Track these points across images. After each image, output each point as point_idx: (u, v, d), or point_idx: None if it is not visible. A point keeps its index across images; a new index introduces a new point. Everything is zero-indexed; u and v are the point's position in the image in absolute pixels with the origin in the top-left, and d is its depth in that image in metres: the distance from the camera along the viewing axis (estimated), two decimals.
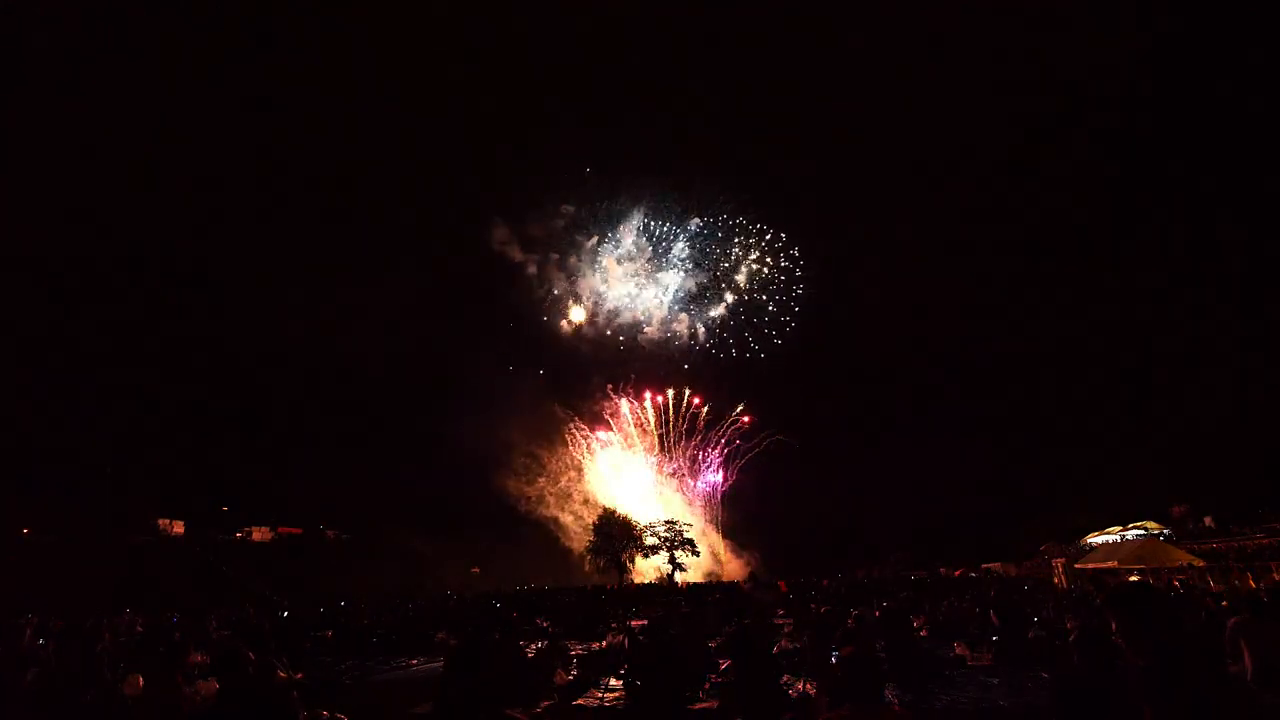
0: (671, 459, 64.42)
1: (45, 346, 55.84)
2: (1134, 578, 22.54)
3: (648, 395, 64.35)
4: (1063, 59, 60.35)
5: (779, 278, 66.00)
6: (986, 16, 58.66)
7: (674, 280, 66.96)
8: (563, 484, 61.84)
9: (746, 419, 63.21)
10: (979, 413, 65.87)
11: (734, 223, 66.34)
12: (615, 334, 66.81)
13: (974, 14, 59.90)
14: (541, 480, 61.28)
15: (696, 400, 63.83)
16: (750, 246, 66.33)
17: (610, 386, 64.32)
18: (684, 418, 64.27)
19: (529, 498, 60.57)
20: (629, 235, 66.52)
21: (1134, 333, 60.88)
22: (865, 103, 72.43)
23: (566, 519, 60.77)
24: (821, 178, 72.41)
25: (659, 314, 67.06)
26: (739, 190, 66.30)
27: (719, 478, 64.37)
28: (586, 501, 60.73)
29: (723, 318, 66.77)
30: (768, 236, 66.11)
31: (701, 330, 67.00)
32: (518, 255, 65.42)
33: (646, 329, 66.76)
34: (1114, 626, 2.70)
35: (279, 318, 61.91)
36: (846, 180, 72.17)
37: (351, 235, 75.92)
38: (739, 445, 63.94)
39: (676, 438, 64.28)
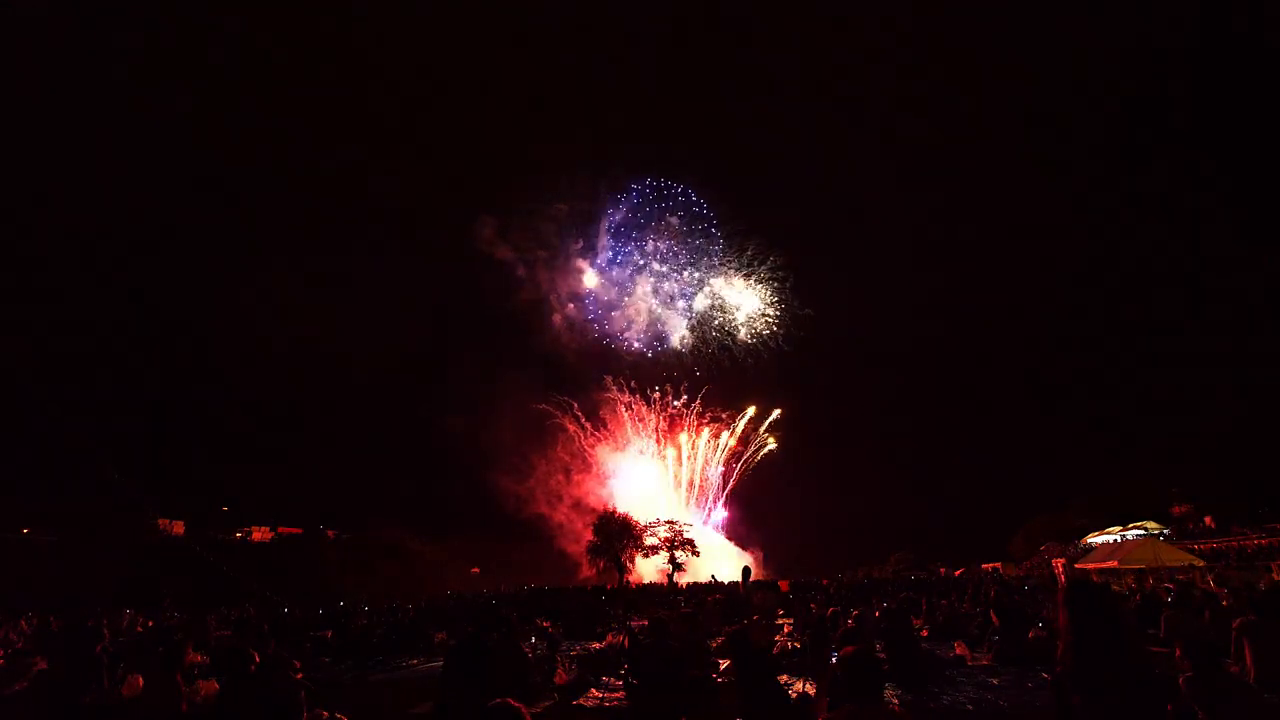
0: (666, 457, 64.49)
1: (46, 347, 55.88)
2: (1135, 580, 22.50)
3: (637, 393, 64.48)
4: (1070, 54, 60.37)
5: (773, 279, 66.01)
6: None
7: (663, 282, 66.99)
8: (551, 485, 61.92)
9: (726, 414, 63.46)
10: (979, 413, 65.94)
11: (725, 226, 66.33)
12: (605, 334, 66.87)
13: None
14: (531, 481, 61.36)
15: (685, 400, 63.93)
16: (742, 249, 66.29)
17: (608, 380, 64.46)
18: (671, 417, 64.34)
19: (520, 498, 60.65)
20: (618, 237, 66.62)
21: (1134, 334, 60.88)
22: (855, 99, 72.52)
23: (560, 519, 60.82)
24: (812, 176, 72.60)
25: (649, 315, 67.04)
26: (730, 192, 66.49)
27: (716, 476, 64.44)
28: (577, 505, 60.71)
29: (715, 319, 66.78)
30: (762, 239, 66.07)
31: (690, 332, 66.95)
32: (508, 256, 65.56)
33: (632, 330, 66.79)
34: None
35: (278, 320, 61.94)
36: (838, 180, 72.34)
37: (350, 237, 76.04)
38: (732, 445, 64.04)
39: (668, 434, 64.37)
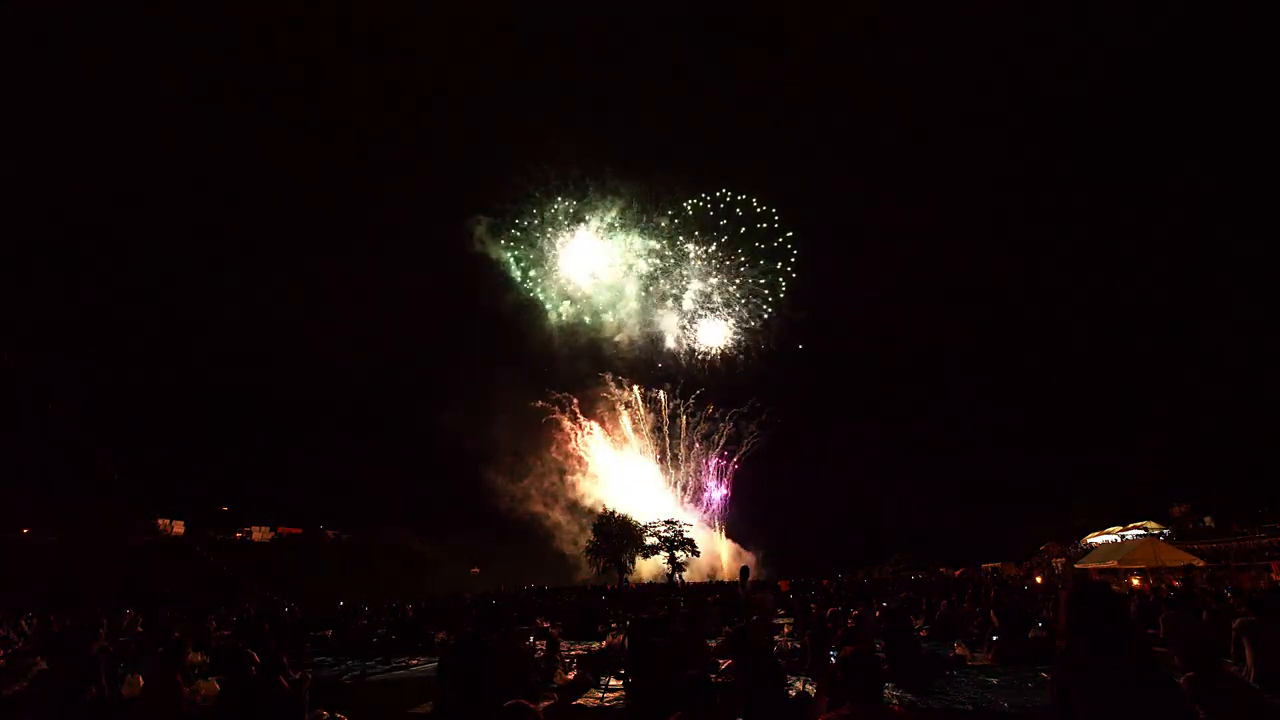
0: (664, 457, 64.52)
1: (45, 347, 55.82)
2: (1135, 580, 22.52)
3: (635, 393, 64.48)
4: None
5: (770, 278, 65.80)
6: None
7: (657, 281, 66.87)
8: (546, 485, 61.84)
9: (722, 414, 63.51)
10: (980, 413, 65.94)
11: (720, 224, 66.05)
12: (600, 334, 66.77)
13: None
14: (526, 481, 61.34)
15: (675, 400, 63.95)
16: (736, 248, 66.02)
17: (606, 377, 64.44)
18: (671, 417, 64.36)
19: (516, 498, 60.65)
20: (612, 236, 66.52)
21: (1135, 333, 60.87)
22: (847, 93, 72.48)
23: (558, 519, 60.81)
24: (809, 176, 72.45)
25: (644, 314, 66.92)
26: (725, 192, 66.25)
27: (714, 475, 64.47)
28: (574, 506, 60.65)
29: (710, 318, 66.58)
30: (753, 236, 65.74)
31: (684, 331, 66.79)
32: (502, 255, 65.51)
33: (626, 330, 66.70)
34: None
35: (277, 320, 61.98)
36: (836, 179, 72.23)
37: (348, 238, 76.13)
38: (730, 446, 64.09)
39: (665, 434, 64.41)
